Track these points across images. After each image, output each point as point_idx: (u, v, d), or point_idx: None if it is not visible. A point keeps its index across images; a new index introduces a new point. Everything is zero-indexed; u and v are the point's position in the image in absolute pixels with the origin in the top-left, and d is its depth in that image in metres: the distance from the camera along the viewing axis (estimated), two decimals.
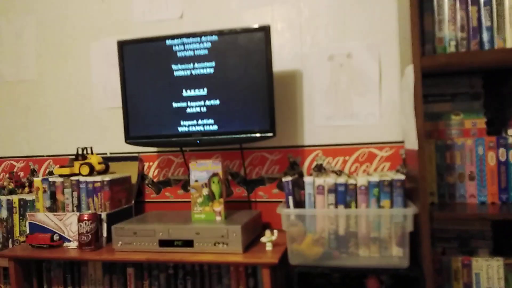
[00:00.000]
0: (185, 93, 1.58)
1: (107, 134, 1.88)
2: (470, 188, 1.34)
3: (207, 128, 1.56)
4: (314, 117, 1.64)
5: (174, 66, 1.59)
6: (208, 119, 1.56)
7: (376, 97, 1.58)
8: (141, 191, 1.83)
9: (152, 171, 1.82)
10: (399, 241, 1.28)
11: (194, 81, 1.57)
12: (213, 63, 1.55)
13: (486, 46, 1.24)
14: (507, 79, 1.37)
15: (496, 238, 1.35)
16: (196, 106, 1.57)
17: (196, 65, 1.57)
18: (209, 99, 1.56)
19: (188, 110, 1.58)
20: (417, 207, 1.22)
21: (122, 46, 1.64)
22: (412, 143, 1.25)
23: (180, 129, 1.59)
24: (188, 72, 1.57)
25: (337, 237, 1.32)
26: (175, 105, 1.59)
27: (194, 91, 1.57)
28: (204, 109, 1.56)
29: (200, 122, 1.57)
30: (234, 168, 1.73)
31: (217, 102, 1.55)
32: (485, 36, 1.25)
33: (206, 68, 1.56)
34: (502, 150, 1.32)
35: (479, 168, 1.33)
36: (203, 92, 1.56)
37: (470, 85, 1.40)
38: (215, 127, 1.56)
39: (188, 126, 1.58)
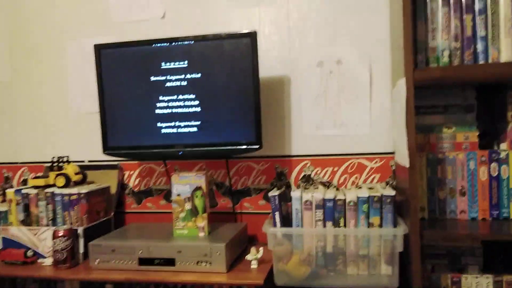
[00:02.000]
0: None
1: (85, 140, 1.79)
2: (461, 204, 1.30)
3: (187, 103, 1.49)
4: (302, 126, 1.58)
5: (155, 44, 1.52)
6: (190, 94, 1.49)
7: (366, 106, 1.53)
8: (121, 201, 1.75)
9: (133, 180, 1.74)
10: (388, 259, 1.24)
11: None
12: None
13: (481, 57, 1.19)
14: (501, 91, 1.33)
15: (486, 254, 1.32)
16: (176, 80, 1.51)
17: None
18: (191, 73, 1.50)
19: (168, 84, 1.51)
20: (407, 224, 1.18)
21: (100, 50, 1.55)
22: (404, 160, 1.20)
23: (158, 105, 1.51)
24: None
25: (325, 255, 1.27)
26: (153, 78, 1.52)
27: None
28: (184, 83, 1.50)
29: (180, 97, 1.49)
30: (219, 178, 1.66)
31: (199, 75, 1.49)
32: (480, 46, 1.20)
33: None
34: (494, 165, 1.28)
35: (471, 183, 1.29)
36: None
37: (463, 97, 1.35)
38: (196, 103, 1.49)
39: (167, 101, 1.50)
